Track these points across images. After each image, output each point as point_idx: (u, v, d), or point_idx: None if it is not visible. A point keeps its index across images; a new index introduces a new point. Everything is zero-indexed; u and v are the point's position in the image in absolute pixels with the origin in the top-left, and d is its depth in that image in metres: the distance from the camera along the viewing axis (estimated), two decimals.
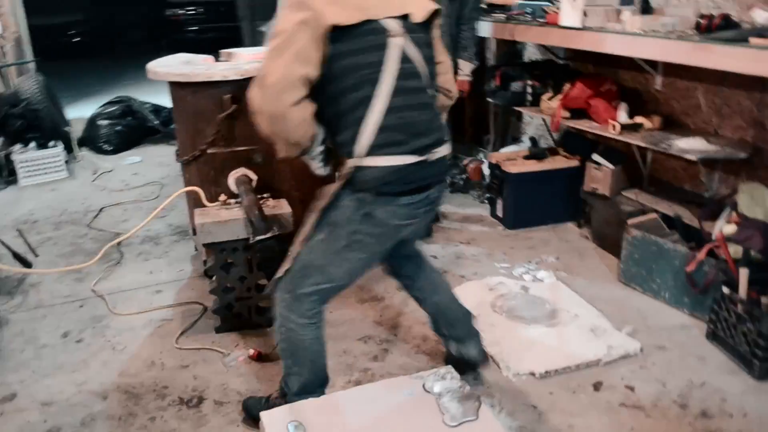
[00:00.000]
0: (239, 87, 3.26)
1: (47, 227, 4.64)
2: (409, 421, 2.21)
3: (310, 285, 2.20)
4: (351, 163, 2.04)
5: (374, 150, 2.00)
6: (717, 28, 3.25)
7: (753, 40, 2.92)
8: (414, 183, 2.08)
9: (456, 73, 4.03)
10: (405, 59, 2.03)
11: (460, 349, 2.68)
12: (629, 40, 3.49)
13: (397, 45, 2.02)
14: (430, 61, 2.18)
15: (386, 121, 1.98)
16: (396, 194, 2.06)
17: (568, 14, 3.89)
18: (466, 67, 4.11)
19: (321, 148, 2.17)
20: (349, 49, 1.96)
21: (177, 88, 3.49)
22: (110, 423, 2.59)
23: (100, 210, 4.94)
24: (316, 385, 2.39)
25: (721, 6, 3.53)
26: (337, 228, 2.13)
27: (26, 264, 3.83)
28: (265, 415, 2.25)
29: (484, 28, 4.51)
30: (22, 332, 3.25)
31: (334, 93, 2.01)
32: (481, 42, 5.26)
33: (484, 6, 4.70)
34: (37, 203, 5.17)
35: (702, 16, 3.35)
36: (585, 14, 3.80)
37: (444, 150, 2.16)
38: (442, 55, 2.31)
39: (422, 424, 2.19)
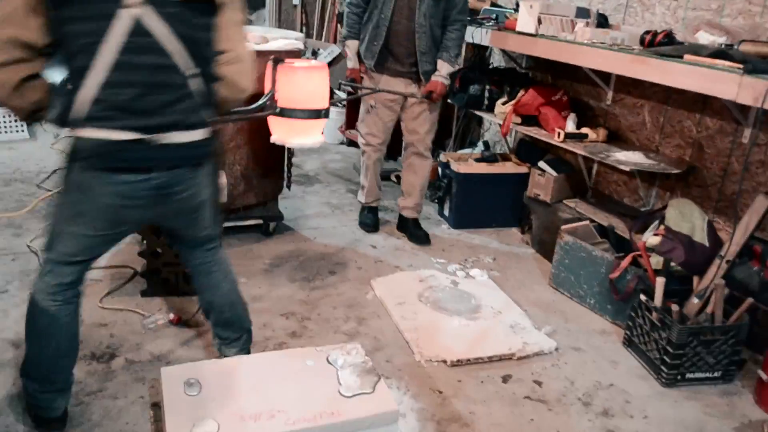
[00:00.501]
0: None
1: None
2: (305, 388, 2.25)
3: (50, 252, 2.12)
4: (66, 131, 1.96)
5: (86, 121, 1.89)
6: (659, 44, 3.34)
7: (687, 57, 3.01)
8: (127, 162, 1.95)
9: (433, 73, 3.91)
10: (140, 32, 1.87)
11: (222, 348, 2.62)
12: (575, 49, 3.57)
13: (130, 16, 1.85)
14: (197, 42, 2.00)
15: (101, 95, 1.87)
16: (107, 170, 1.95)
17: (525, 21, 3.97)
18: (444, 69, 3.89)
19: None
20: (72, 15, 1.84)
21: None
22: (18, 370, 2.59)
23: (53, 172, 4.92)
24: (45, 381, 2.25)
25: (673, 27, 3.63)
26: (66, 194, 2.05)
27: None
28: (164, 371, 2.28)
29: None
30: None
31: (61, 60, 1.91)
32: None
33: None
34: None
35: (647, 32, 3.44)
36: (540, 22, 3.89)
37: (184, 137, 2.02)
38: (230, 44, 2.11)
39: (317, 392, 2.23)
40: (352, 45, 4.00)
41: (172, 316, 2.99)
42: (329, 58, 7.41)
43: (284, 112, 2.67)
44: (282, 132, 2.76)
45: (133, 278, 3.35)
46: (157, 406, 2.41)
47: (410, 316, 3.17)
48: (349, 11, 3.95)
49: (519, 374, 2.85)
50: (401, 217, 4.32)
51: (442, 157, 4.62)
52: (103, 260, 3.54)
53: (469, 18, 4.56)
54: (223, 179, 3.15)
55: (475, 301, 3.36)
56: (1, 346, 2.74)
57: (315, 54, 7.52)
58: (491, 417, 2.55)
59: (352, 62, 4.02)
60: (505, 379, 2.81)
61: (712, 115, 3.47)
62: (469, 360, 2.88)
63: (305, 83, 2.69)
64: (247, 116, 2.84)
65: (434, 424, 2.47)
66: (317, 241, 4.04)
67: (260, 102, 2.67)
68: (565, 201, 4.08)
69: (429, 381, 2.74)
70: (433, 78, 3.90)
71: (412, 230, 4.24)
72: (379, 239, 4.16)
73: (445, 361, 2.85)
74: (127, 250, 3.64)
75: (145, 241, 3.11)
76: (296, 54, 3.65)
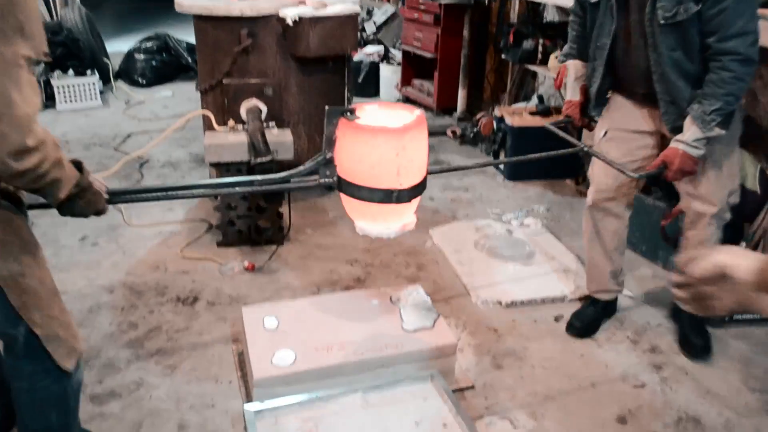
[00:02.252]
0: (256, 23, 3.53)
1: (78, 148, 4.97)
2: (371, 324, 2.47)
3: None
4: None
5: None
6: None
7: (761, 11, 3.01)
8: None
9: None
10: None
11: None
12: None
13: None
14: None
15: None
16: None
17: None
18: (690, 131, 2.37)
19: None
20: None
21: (200, 21, 3.76)
22: (113, 312, 2.91)
23: (128, 136, 5.25)
24: None
25: None
26: None
27: None
28: (245, 309, 2.54)
29: None
30: (44, 234, 3.57)
31: None
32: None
33: None
34: (71, 126, 5.50)
35: None
36: None
37: None
38: None
39: (382, 327, 2.45)
40: (573, 67, 2.81)
41: (246, 263, 3.25)
42: (383, 18, 7.43)
43: (343, 186, 1.83)
44: (348, 205, 1.91)
45: (209, 230, 3.63)
46: (238, 341, 2.68)
47: (467, 262, 3.36)
48: (572, 19, 2.78)
49: (570, 315, 3.01)
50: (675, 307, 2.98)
51: (497, 112, 4.73)
52: (181, 215, 3.84)
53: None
54: (289, 137, 3.38)
55: (530, 248, 3.52)
56: (97, 291, 3.06)
57: (369, 13, 7.60)
58: (543, 352, 2.73)
59: (570, 91, 2.87)
60: (557, 319, 2.97)
61: (767, 64, 3.49)
62: (522, 302, 3.06)
63: (376, 152, 1.74)
64: (289, 187, 2.24)
65: (490, 358, 2.67)
66: None
67: (308, 165, 1.89)
68: None
69: (485, 320, 2.93)
70: (672, 143, 2.45)
71: (689, 334, 2.86)
72: (436, 191, 4.33)
73: (500, 303, 3.04)
74: (202, 206, 3.93)
75: (219, 197, 3.37)
76: (353, 19, 3.75)
